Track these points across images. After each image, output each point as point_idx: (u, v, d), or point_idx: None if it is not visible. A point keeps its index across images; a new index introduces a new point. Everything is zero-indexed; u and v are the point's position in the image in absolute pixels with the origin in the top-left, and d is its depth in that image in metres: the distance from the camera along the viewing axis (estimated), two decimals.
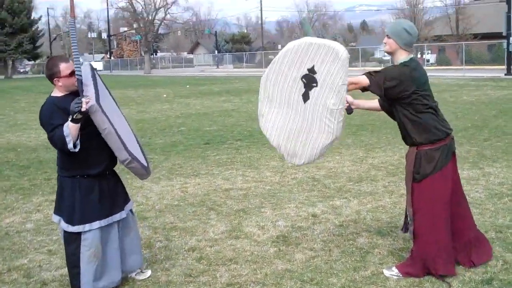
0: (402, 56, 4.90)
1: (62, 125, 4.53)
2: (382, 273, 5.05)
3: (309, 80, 4.81)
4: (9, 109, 23.75)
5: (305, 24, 5.27)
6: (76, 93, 4.67)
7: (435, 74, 38.56)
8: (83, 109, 4.44)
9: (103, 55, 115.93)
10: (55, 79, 4.69)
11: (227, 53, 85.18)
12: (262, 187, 8.44)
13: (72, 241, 4.76)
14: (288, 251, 5.73)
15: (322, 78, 4.74)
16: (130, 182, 8.78)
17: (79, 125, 4.50)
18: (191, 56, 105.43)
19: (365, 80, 4.85)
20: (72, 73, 4.67)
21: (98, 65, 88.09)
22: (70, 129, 4.49)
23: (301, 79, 4.86)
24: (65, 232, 4.79)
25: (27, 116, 20.09)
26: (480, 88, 25.22)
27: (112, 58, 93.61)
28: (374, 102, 5.46)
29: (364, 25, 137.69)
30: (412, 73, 4.80)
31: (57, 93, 4.74)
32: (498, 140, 11.60)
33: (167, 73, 65.59)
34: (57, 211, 4.88)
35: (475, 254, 5.16)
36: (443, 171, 4.87)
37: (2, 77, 71.10)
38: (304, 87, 4.86)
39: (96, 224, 4.76)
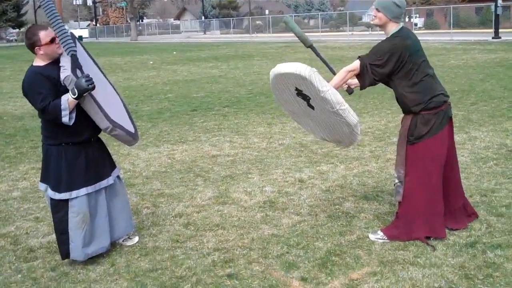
0: (393, 28, 4.90)
1: (51, 94, 4.51)
2: (368, 237, 5.09)
3: (303, 96, 4.90)
4: None
5: (289, 22, 5.28)
6: (58, 61, 4.64)
7: (423, 38, 38.36)
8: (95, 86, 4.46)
9: (89, 22, 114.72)
10: (36, 48, 4.63)
11: (214, 19, 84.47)
12: (250, 153, 8.45)
13: (59, 209, 4.76)
14: (274, 216, 5.76)
15: (308, 93, 4.81)
16: (117, 149, 8.78)
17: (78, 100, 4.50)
18: (177, 22, 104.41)
19: (357, 64, 4.89)
20: (52, 40, 4.63)
21: (84, 32, 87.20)
22: (69, 104, 4.49)
23: (297, 96, 4.96)
24: (52, 199, 4.78)
25: (12, 85, 19.90)
26: (467, 52, 25.22)
27: (98, 25, 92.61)
28: None
29: None
30: (404, 42, 4.79)
31: (39, 62, 4.68)
32: (484, 104, 11.63)
33: (154, 40, 65.06)
34: (44, 179, 4.87)
35: (460, 219, 5.23)
36: (439, 135, 4.88)
37: None
38: (304, 100, 4.95)
39: (83, 191, 4.76)
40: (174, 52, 36.06)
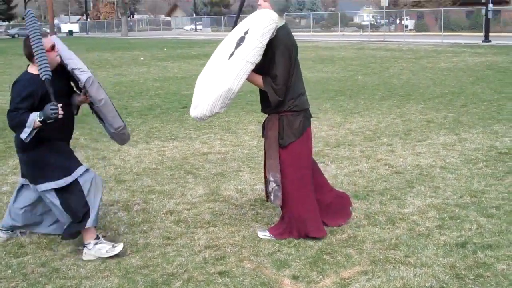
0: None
1: (28, 108, 4.53)
2: (359, 236, 5.10)
3: (240, 40, 4.79)
4: None
5: None
6: (54, 71, 4.65)
7: (414, 40, 38.67)
8: (60, 116, 4.48)
9: (79, 16, 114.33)
10: None
11: (205, 16, 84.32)
12: (240, 151, 8.45)
13: (71, 189, 4.74)
14: (266, 214, 5.76)
15: (248, 36, 4.71)
16: (107, 145, 8.76)
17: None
18: (168, 18, 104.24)
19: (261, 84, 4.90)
20: (52, 47, 4.62)
21: (74, 27, 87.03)
22: (35, 126, 4.52)
23: (237, 40, 4.84)
24: (61, 189, 4.74)
25: (1, 78, 19.77)
26: (458, 55, 25.33)
27: (88, 20, 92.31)
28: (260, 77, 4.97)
29: None
30: (290, 37, 4.84)
31: (34, 69, 4.66)
32: (474, 107, 11.69)
33: (145, 36, 64.87)
34: (42, 179, 4.79)
35: (339, 214, 5.38)
36: (304, 136, 4.98)
37: None
38: (235, 48, 4.81)
39: (84, 166, 4.86)
40: (165, 49, 35.98)
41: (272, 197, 5.05)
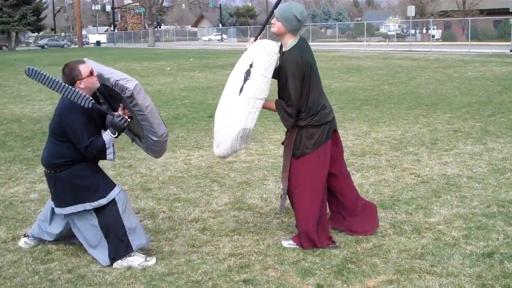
0: (290, 40, 4.92)
1: (94, 131, 4.70)
2: (384, 245, 5.08)
3: (247, 74, 4.91)
4: (12, 81, 23.70)
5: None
6: (94, 95, 4.82)
7: (441, 49, 38.38)
8: (129, 120, 4.70)
9: (107, 27, 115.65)
10: (77, 82, 4.66)
11: (231, 27, 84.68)
12: (266, 160, 8.46)
13: (107, 212, 4.81)
14: (291, 223, 5.75)
15: (253, 70, 4.84)
16: (133, 153, 8.83)
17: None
18: (195, 29, 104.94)
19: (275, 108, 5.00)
20: (91, 72, 4.68)
21: (102, 38, 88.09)
22: (113, 142, 4.71)
23: (244, 74, 4.97)
24: (98, 210, 4.81)
25: (30, 88, 20.05)
26: (485, 64, 25.10)
27: (116, 30, 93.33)
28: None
29: (369, 0, 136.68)
30: (303, 57, 4.82)
31: None
32: (502, 116, 11.57)
33: (171, 46, 65.35)
34: (80, 201, 4.82)
35: (366, 222, 5.35)
36: (321, 148, 4.97)
37: (6, 49, 71.03)
38: (243, 82, 4.94)
39: (119, 186, 4.95)
40: (191, 59, 36.22)
41: (281, 202, 5.17)
